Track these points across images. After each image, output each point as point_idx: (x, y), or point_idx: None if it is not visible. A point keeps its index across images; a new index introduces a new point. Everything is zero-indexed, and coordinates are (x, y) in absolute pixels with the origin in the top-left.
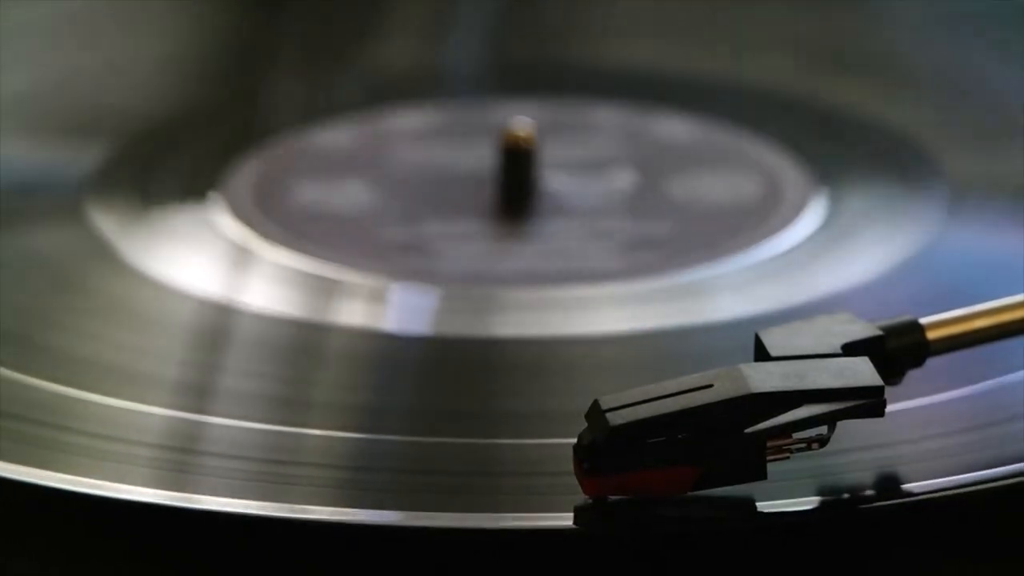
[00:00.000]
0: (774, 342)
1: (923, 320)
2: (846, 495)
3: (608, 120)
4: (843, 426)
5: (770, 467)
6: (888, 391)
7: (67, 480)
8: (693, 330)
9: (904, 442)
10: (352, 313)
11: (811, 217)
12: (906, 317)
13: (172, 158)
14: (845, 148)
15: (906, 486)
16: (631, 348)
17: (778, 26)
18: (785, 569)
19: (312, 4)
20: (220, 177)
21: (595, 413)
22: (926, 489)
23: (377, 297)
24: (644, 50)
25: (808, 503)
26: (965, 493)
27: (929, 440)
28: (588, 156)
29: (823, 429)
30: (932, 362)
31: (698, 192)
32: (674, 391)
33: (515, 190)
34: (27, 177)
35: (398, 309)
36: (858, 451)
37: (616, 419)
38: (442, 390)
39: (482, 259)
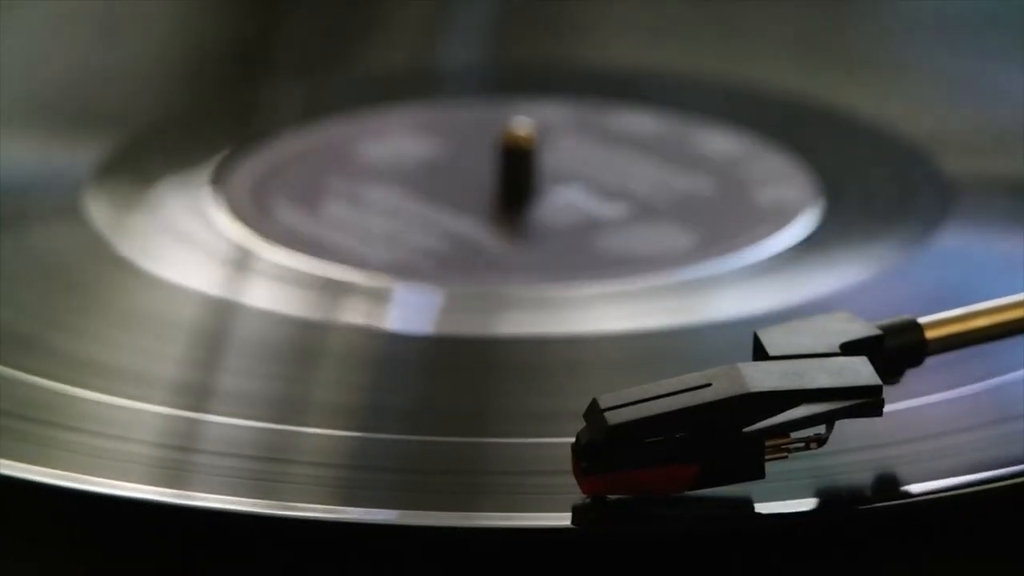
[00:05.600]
0: (772, 341)
1: (922, 319)
2: (844, 495)
3: (608, 120)
4: (841, 426)
5: (768, 467)
6: (887, 390)
7: (65, 477)
8: (692, 330)
9: (903, 442)
10: (352, 312)
11: (810, 217)
12: (905, 316)
13: (172, 157)
14: (844, 148)
15: (905, 486)
16: (630, 347)
17: (777, 26)
18: (783, 569)
19: (311, 4)
20: (220, 176)
21: (593, 412)
22: (925, 490)
23: (376, 296)
24: (643, 50)
25: (806, 503)
26: (964, 493)
27: (928, 440)
28: (588, 155)
29: (821, 428)
30: (931, 361)
31: (696, 191)
32: (672, 390)
33: (515, 190)
34: (27, 176)
35: (397, 308)
36: (857, 451)
37: (614, 418)
38: (441, 389)
39: (482, 258)
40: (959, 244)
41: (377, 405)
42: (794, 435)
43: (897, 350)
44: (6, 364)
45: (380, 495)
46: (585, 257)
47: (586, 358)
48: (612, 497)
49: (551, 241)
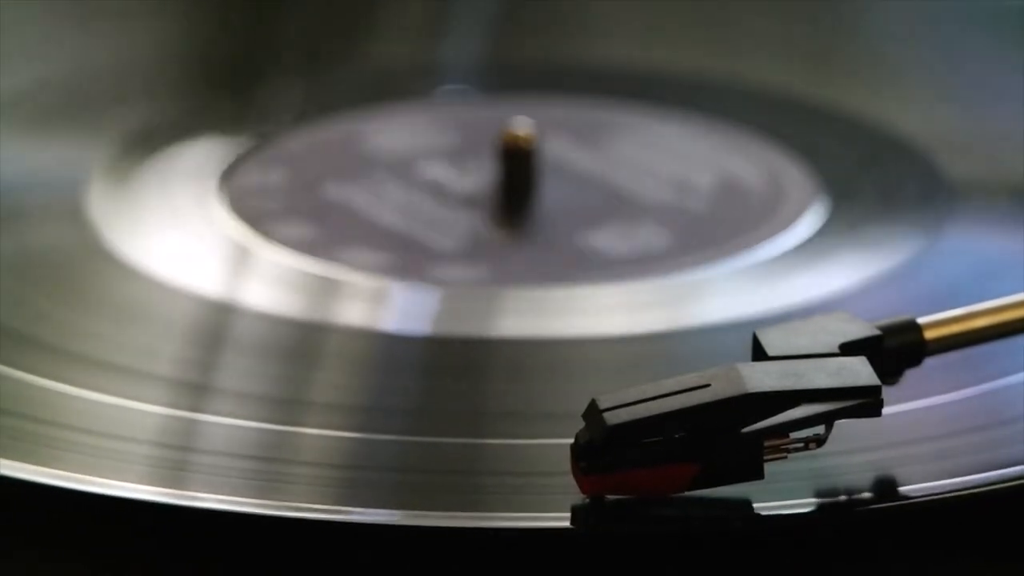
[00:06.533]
0: (772, 341)
1: (921, 320)
2: (843, 496)
3: (608, 120)
4: (840, 426)
5: (767, 467)
6: (886, 391)
7: (64, 477)
8: (692, 331)
9: (902, 443)
10: (351, 312)
11: (811, 218)
12: (904, 316)
13: (172, 157)
14: (845, 149)
15: (904, 488)
16: (630, 348)
17: (777, 26)
18: (781, 570)
19: (311, 4)
20: (220, 176)
21: (592, 412)
22: (924, 491)
23: (376, 296)
24: (644, 49)
25: (805, 504)
26: (963, 495)
27: (927, 441)
28: (588, 156)
29: (820, 429)
30: (930, 362)
31: (698, 192)
32: (671, 390)
33: (515, 190)
34: (27, 176)
35: (397, 308)
36: (856, 452)
37: (613, 418)
38: (440, 390)
39: (481, 259)
40: (959, 244)
41: (376, 405)
42: (793, 435)
43: (896, 350)
44: (5, 363)
45: (379, 495)
46: (585, 257)
47: (585, 359)
48: (611, 497)
49: (551, 241)
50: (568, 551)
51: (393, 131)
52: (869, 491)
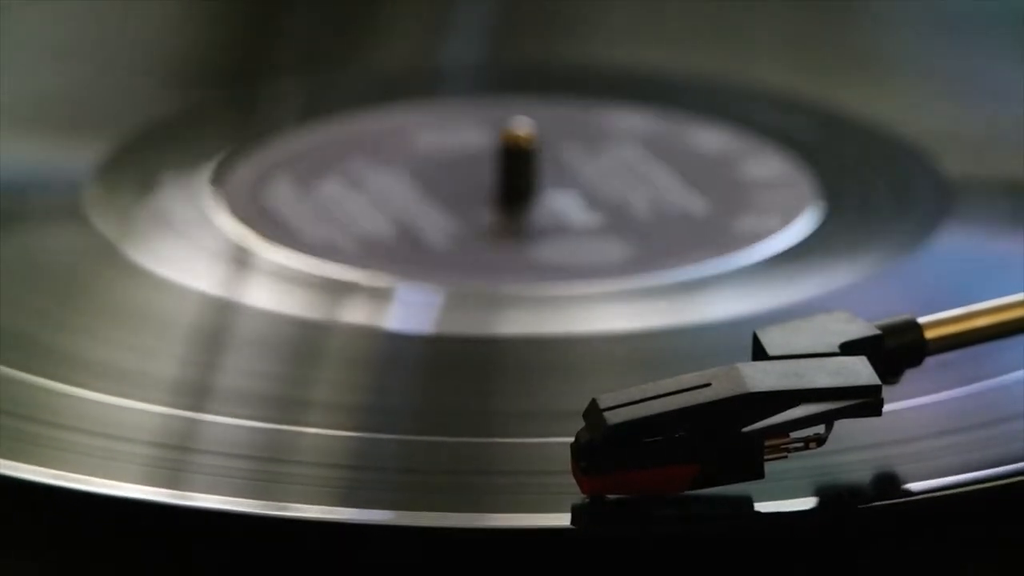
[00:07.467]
0: (772, 341)
1: (921, 319)
2: (844, 495)
3: (607, 120)
4: (841, 425)
5: (768, 466)
6: (886, 390)
7: (64, 477)
8: (692, 329)
9: (902, 441)
10: (352, 312)
11: (809, 216)
12: (904, 316)
13: (172, 157)
14: (843, 148)
15: (904, 486)
16: (630, 347)
17: (776, 26)
18: (782, 569)
19: (312, 3)
20: (220, 176)
21: (593, 412)
22: (924, 489)
23: (377, 296)
24: (644, 50)
25: (806, 503)
26: (963, 493)
27: (927, 440)
28: (587, 155)
29: (820, 428)
30: (930, 361)
31: (696, 191)
32: (672, 390)
33: (515, 190)
34: (27, 176)
35: (398, 308)
36: (856, 450)
37: (614, 418)
38: (441, 389)
39: (482, 258)
40: (958, 244)
41: (376, 405)
42: (793, 435)
43: (896, 350)
44: (6, 364)
45: (379, 495)
46: (585, 256)
47: (586, 358)
48: (611, 497)
49: (551, 241)
50: (568, 551)
51: (393, 132)
52: (870, 489)
